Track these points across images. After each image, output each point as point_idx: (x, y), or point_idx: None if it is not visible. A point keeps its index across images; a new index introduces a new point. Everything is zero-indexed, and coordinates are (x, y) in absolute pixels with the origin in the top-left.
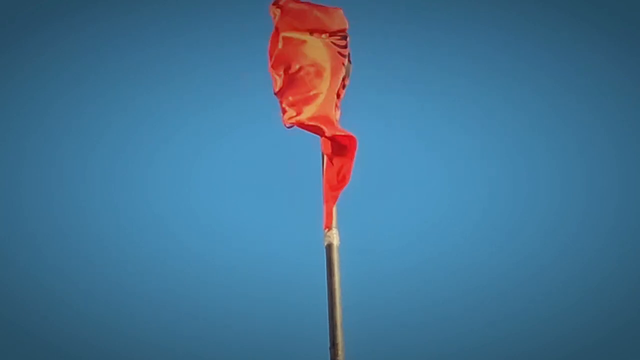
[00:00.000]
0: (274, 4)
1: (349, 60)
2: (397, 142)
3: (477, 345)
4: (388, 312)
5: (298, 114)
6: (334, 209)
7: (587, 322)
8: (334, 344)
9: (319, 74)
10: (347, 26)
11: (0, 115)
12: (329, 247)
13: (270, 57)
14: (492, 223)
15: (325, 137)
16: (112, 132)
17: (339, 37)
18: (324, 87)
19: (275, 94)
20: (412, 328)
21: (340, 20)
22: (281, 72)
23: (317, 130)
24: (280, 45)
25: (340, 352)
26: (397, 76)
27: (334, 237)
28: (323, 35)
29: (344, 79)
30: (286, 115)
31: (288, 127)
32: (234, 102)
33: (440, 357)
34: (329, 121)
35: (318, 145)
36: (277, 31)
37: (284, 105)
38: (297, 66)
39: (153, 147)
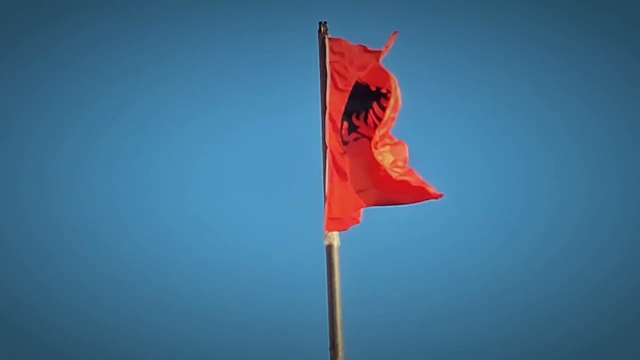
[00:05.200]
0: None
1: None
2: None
3: (478, 344)
4: (388, 312)
5: None
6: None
7: (588, 322)
8: (334, 345)
9: None
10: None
11: (0, 115)
12: (330, 248)
13: None
14: (492, 223)
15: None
16: (112, 132)
17: None
18: None
19: None
20: (412, 328)
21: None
22: None
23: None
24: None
25: (340, 353)
26: (396, 76)
27: (335, 237)
28: None
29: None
30: None
31: None
32: (233, 102)
33: (441, 357)
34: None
35: (318, 145)
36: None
37: None
38: None
39: (153, 146)
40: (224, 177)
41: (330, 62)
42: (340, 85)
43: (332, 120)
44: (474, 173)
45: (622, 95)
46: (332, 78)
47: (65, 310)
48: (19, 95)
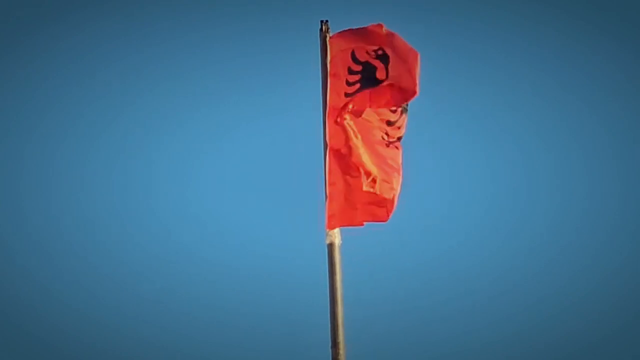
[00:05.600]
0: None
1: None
2: None
3: (478, 344)
4: (389, 311)
5: None
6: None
7: (588, 322)
8: (335, 343)
9: None
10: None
11: (0, 115)
12: (331, 246)
13: None
14: (492, 222)
15: None
16: (112, 132)
17: None
18: None
19: None
20: (413, 327)
21: None
22: None
23: None
24: None
25: (341, 351)
26: None
27: (336, 236)
28: None
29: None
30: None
31: None
32: (233, 102)
33: (441, 357)
34: None
35: (318, 145)
36: None
37: None
38: None
39: (153, 146)
40: (224, 177)
41: (343, 49)
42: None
43: (331, 115)
44: (474, 173)
45: (622, 95)
46: (338, 69)
47: (65, 310)
48: (19, 95)
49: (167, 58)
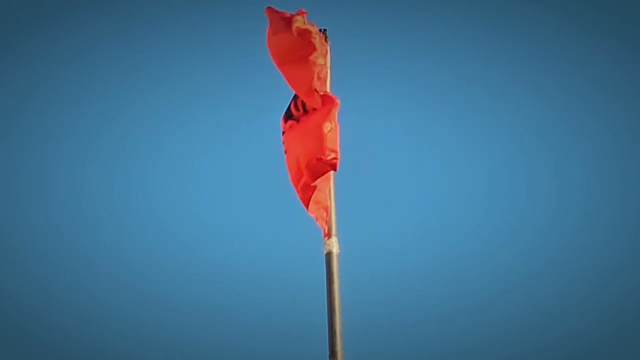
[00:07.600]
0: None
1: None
2: (396, 144)
3: (478, 344)
4: (387, 320)
5: None
6: (334, 217)
7: (588, 322)
8: (333, 352)
9: None
10: None
11: (0, 115)
12: (329, 255)
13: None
14: (492, 222)
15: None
16: (112, 132)
17: None
18: None
19: None
20: (411, 336)
21: None
22: None
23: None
24: None
25: None
26: (396, 77)
27: (334, 245)
28: None
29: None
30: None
31: None
32: (233, 102)
33: None
34: None
35: None
36: None
37: None
38: None
39: (153, 146)
40: (224, 177)
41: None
42: None
43: None
44: (474, 173)
45: (622, 95)
46: None
47: (65, 310)
48: (19, 95)
49: (167, 58)
